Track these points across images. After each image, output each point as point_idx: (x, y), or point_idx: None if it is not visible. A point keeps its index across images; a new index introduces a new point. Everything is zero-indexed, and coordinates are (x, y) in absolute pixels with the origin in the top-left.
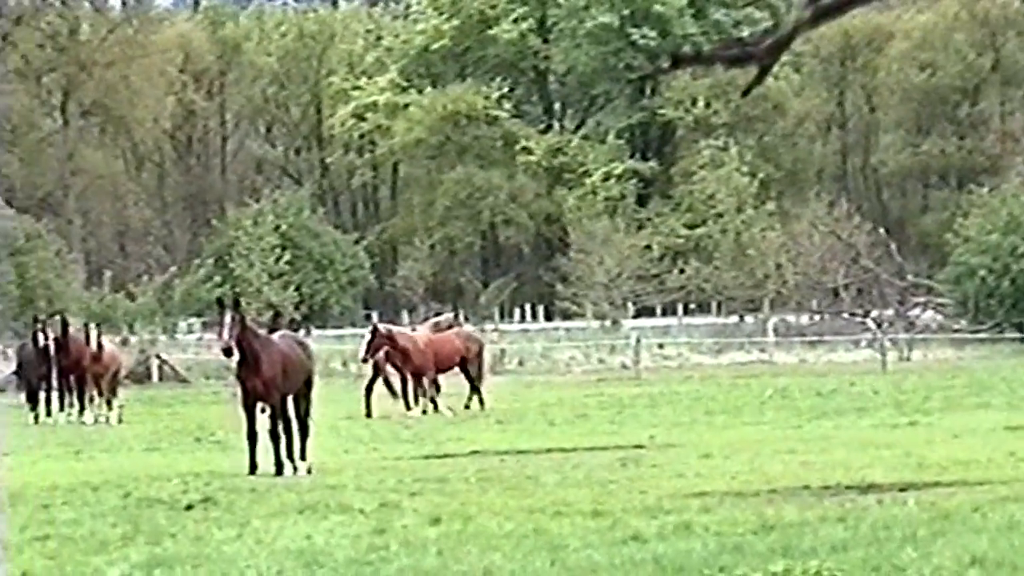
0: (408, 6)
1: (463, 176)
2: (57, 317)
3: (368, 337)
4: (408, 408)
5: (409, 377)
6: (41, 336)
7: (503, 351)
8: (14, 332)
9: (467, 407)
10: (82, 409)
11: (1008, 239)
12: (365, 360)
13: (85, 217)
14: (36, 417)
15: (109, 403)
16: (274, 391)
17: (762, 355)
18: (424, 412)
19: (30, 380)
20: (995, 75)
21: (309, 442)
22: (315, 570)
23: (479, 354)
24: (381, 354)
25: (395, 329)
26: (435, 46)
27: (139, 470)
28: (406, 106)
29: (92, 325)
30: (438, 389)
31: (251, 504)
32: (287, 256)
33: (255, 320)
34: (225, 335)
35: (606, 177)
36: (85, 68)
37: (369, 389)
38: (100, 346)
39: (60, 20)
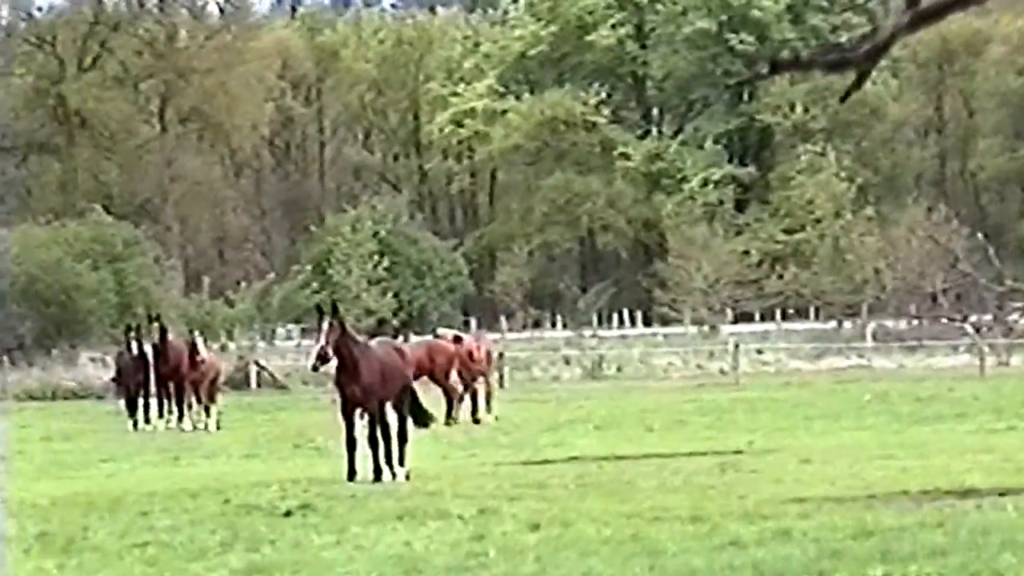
0: (506, 12)
1: (561, 182)
2: (155, 324)
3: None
4: None
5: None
6: (135, 344)
7: (601, 357)
8: (112, 339)
9: (447, 423)
10: (181, 416)
11: None
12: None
13: (183, 224)
14: (135, 424)
15: (208, 410)
16: (373, 397)
17: (861, 360)
18: None
19: (128, 387)
20: None
21: (407, 448)
22: None
23: (445, 367)
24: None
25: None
26: (533, 52)
27: (238, 477)
28: (504, 112)
29: (196, 332)
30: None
31: (350, 510)
32: (385, 262)
33: (355, 327)
34: (322, 341)
35: (704, 182)
36: (183, 75)
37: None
38: (198, 352)
39: (158, 27)
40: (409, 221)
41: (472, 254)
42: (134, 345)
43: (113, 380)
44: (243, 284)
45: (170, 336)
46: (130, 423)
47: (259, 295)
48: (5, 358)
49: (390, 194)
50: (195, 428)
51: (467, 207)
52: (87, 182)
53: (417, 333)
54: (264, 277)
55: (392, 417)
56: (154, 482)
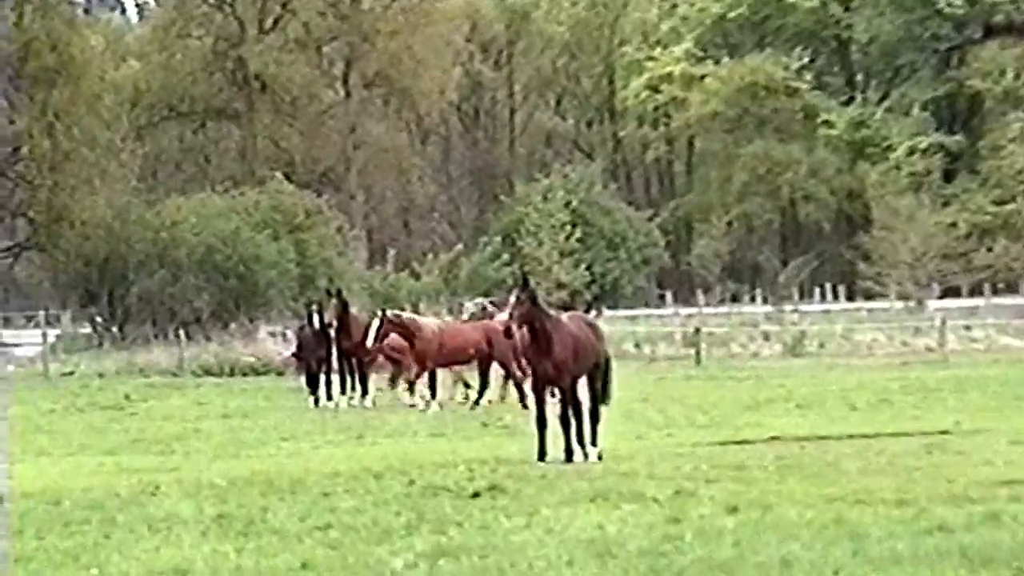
0: None
1: (761, 150)
2: (334, 298)
3: (376, 324)
4: (410, 394)
5: (413, 365)
6: (317, 317)
7: (802, 333)
8: (293, 312)
9: (474, 404)
10: (364, 393)
11: None
12: (371, 348)
13: (368, 193)
14: (316, 401)
15: (411, 386)
16: (566, 374)
17: None
18: (414, 405)
19: (309, 362)
20: None
21: (600, 427)
22: (607, 560)
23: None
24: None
25: (407, 316)
26: (732, 15)
27: (423, 457)
28: (702, 77)
29: (379, 306)
30: (466, 384)
31: (540, 492)
32: (578, 233)
33: (546, 301)
34: (507, 315)
35: (911, 151)
36: (368, 38)
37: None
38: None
39: None
40: (602, 190)
41: (668, 225)
42: (316, 319)
43: (294, 355)
44: (429, 256)
45: (352, 310)
46: (311, 400)
47: (446, 267)
48: (182, 332)
49: (583, 162)
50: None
51: (663, 176)
52: (267, 149)
53: (610, 307)
54: (451, 248)
55: (584, 395)
56: (336, 462)
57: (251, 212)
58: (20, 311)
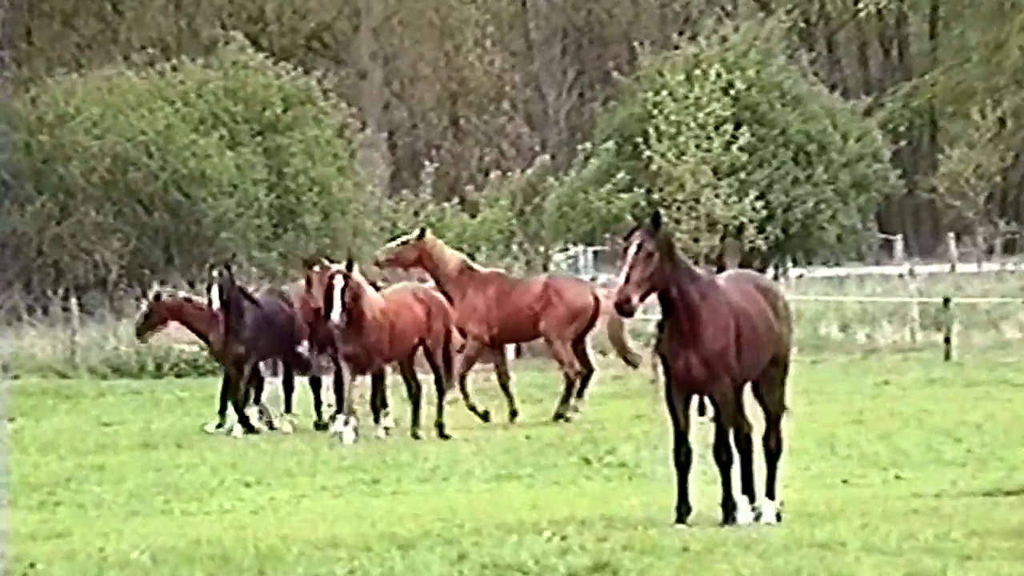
0: None
1: None
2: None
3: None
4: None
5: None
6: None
7: None
8: (263, 270)
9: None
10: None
11: None
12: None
13: (389, 67)
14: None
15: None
16: (722, 376)
17: None
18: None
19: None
20: None
21: (780, 465)
22: None
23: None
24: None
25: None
26: None
27: (481, 515)
28: None
29: None
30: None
31: None
32: (744, 137)
33: (691, 251)
34: (626, 277)
35: None
36: None
37: None
38: None
39: None
40: (787, 65)
41: (896, 124)
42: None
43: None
44: (492, 174)
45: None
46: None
47: (522, 193)
48: (74, 304)
49: (753, 17)
50: None
51: (887, 41)
52: None
53: (800, 262)
54: (530, 161)
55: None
56: (335, 523)
57: (192, 100)
58: None
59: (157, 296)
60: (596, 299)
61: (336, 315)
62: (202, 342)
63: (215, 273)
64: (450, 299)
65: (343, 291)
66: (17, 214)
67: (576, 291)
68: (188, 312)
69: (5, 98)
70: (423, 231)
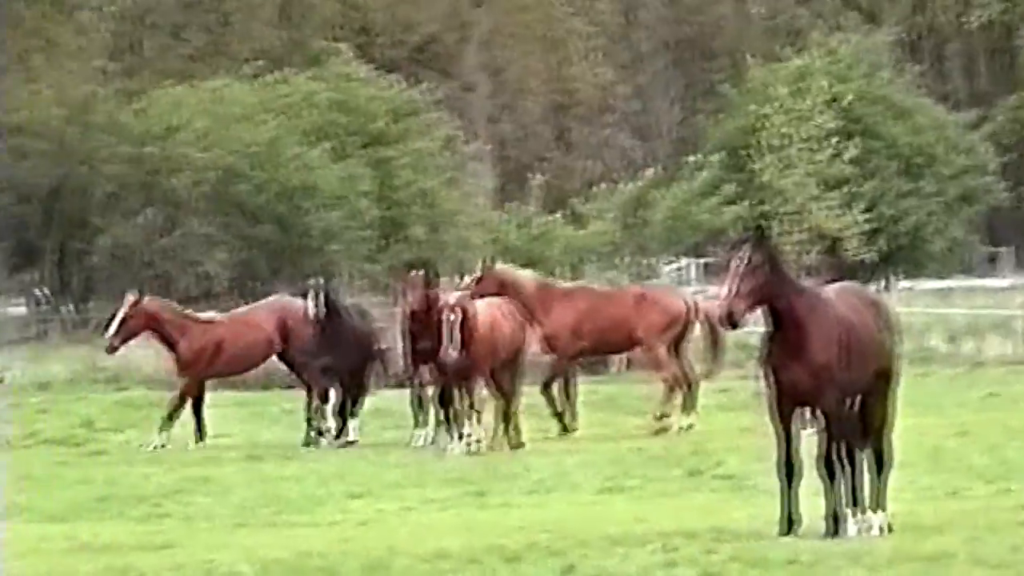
0: None
1: None
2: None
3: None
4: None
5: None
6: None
7: None
8: (369, 282)
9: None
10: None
11: None
12: None
13: (496, 79)
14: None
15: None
16: (830, 389)
17: None
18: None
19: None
20: None
21: (889, 477)
22: None
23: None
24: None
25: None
26: None
27: (589, 527)
28: None
29: None
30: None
31: None
32: (852, 149)
33: (798, 262)
34: (733, 289)
35: None
36: None
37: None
38: None
39: None
40: (895, 76)
41: (1007, 136)
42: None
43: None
44: (600, 186)
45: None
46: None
47: (630, 204)
48: None
49: (860, 29)
50: None
51: (997, 52)
52: (327, 5)
53: (908, 274)
54: (637, 173)
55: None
56: (442, 535)
57: (299, 113)
58: None
59: (137, 299)
60: (689, 306)
61: (453, 352)
62: (168, 353)
63: (310, 282)
64: (532, 316)
65: (460, 326)
66: (125, 226)
67: (670, 298)
68: (167, 319)
69: (112, 108)
70: (486, 262)
